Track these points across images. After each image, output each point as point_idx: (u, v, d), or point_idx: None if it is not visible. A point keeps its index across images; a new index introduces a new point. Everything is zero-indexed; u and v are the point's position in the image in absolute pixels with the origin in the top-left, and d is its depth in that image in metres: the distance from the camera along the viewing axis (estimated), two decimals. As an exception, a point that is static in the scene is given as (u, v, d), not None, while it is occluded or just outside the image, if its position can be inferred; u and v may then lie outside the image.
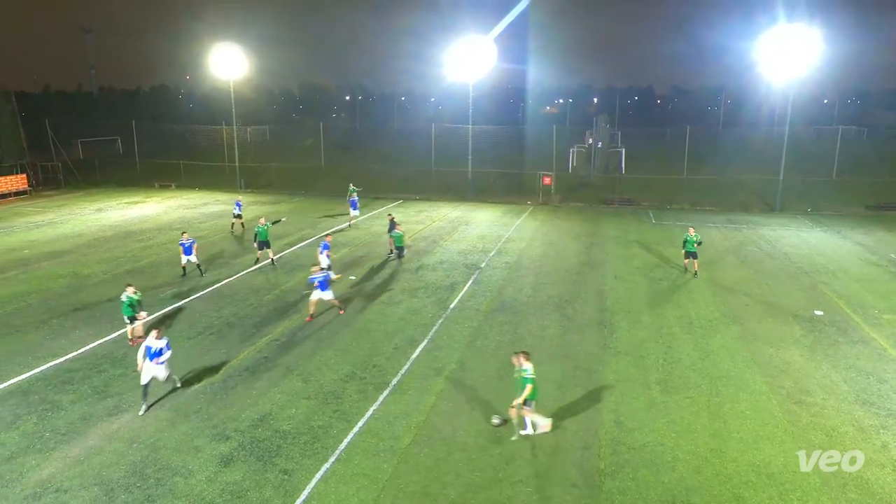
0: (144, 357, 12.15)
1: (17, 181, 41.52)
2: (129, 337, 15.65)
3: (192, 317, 17.70)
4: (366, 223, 31.46)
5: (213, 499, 9.66)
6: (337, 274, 19.35)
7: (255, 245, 22.93)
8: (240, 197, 33.24)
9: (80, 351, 15.22)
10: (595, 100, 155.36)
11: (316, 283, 17.09)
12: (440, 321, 17.33)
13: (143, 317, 15.91)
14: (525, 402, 11.17)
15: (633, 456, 10.82)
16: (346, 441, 11.26)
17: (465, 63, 38.20)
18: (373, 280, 21.29)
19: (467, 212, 34.97)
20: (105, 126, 67.42)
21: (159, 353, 12.22)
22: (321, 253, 20.75)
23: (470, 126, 39.99)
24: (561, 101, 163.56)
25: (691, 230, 21.55)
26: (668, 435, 11.47)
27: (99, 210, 36.06)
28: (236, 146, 46.00)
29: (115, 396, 12.94)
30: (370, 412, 12.29)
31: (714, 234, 29.03)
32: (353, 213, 30.98)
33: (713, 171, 45.67)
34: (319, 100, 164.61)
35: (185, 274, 21.50)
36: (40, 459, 10.71)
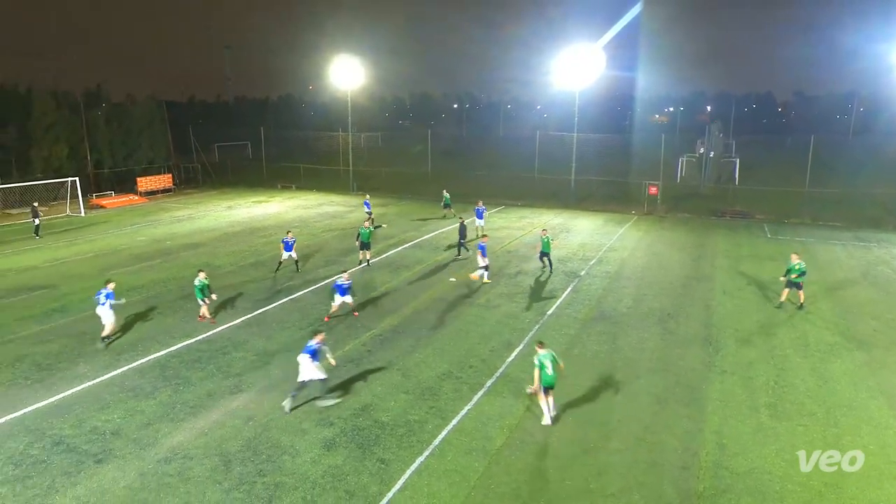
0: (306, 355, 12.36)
1: (164, 180, 46.03)
2: (200, 314, 17.46)
3: (305, 309, 18.73)
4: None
5: (316, 479, 10.15)
6: (477, 276, 20.91)
7: (358, 245, 23.65)
8: (367, 196, 34.47)
9: (208, 334, 16.58)
10: (708, 107, 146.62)
11: (338, 290, 17.20)
12: (537, 327, 17.12)
13: (213, 299, 17.46)
14: (548, 390, 11.78)
15: (736, 482, 10.08)
16: (440, 437, 11.41)
17: (573, 71, 37.52)
18: (472, 283, 21.42)
19: (569, 219, 34.29)
20: (238, 132, 73.16)
21: (313, 352, 12.41)
22: (481, 255, 21.13)
23: (575, 134, 39.22)
24: (671, 109, 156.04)
25: (795, 257, 18.65)
26: (776, 463, 10.58)
27: (229, 208, 39.14)
28: (351, 151, 48.15)
29: (236, 377, 13.97)
30: (464, 411, 12.37)
31: (839, 251, 26.42)
32: (445, 210, 33.85)
33: (840, 184, 41.57)
34: (428, 108, 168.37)
35: (278, 269, 22.48)
36: (172, 428, 11.80)
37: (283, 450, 11.01)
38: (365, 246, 23.34)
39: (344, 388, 13.35)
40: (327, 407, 12.47)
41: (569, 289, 20.71)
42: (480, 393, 13.16)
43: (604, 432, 11.59)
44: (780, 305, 18.77)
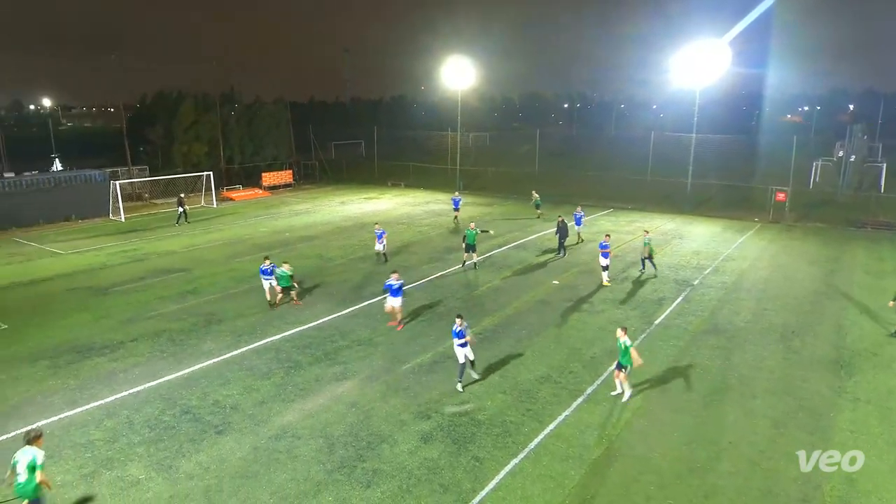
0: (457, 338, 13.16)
1: (286, 176, 49.24)
2: (290, 300, 18.98)
3: (409, 304, 19.22)
4: (573, 229, 30.99)
5: (412, 469, 10.42)
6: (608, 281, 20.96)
7: (464, 247, 23.44)
8: (457, 193, 35.04)
9: (318, 322, 17.54)
10: (850, 107, 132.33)
11: (389, 291, 16.88)
12: (643, 336, 16.40)
13: (298, 289, 19.05)
14: (622, 368, 12.64)
15: (867, 522, 9.06)
16: (536, 441, 11.28)
17: (694, 68, 35.43)
18: (575, 286, 20.94)
19: (683, 225, 32.47)
20: (353, 131, 76.58)
21: (460, 334, 13.07)
22: (602, 255, 20.98)
23: (693, 135, 37.04)
24: (805, 108, 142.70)
25: None
26: (918, 507, 9.38)
27: (342, 203, 41.12)
28: (459, 151, 48.76)
29: (342, 364, 14.66)
30: (562, 417, 12.14)
31: None
32: (538, 212, 33.79)
33: None
34: (538, 108, 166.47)
35: (377, 258, 24.21)
36: (283, 408, 12.61)
37: (383, 438, 11.40)
38: (470, 248, 23.01)
39: (442, 384, 13.57)
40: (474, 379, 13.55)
41: (680, 298, 19.63)
42: (580, 399, 12.84)
43: (713, 452, 10.88)
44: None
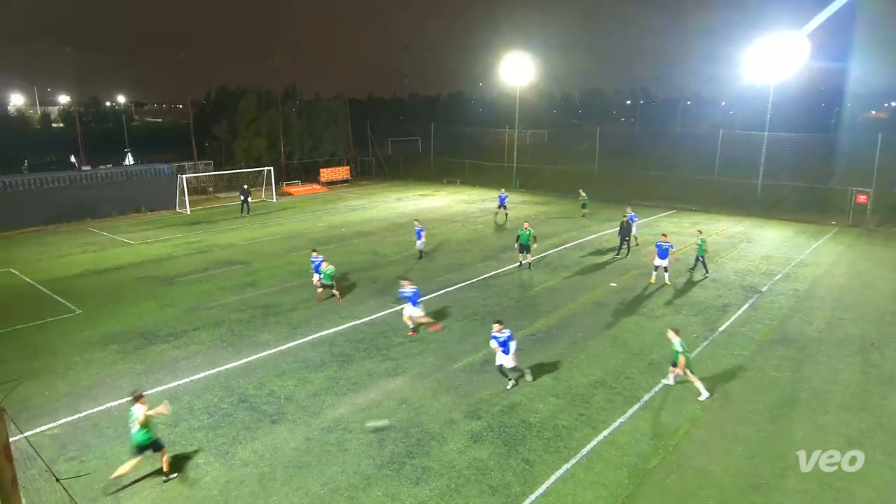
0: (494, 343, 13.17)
1: (343, 171, 50.28)
2: (333, 294, 19.36)
3: (461, 302, 19.29)
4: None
5: (461, 469, 10.44)
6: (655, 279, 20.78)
7: (517, 247, 23.05)
8: (503, 190, 34.92)
9: (371, 317, 17.83)
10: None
11: (406, 298, 16.41)
12: (705, 343, 15.83)
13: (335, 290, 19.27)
14: (675, 365, 12.85)
15: (952, 554, 8.43)
16: (588, 447, 11.09)
17: (768, 63, 33.83)
18: (634, 289, 20.43)
19: (751, 227, 31.10)
20: (410, 127, 77.36)
21: (504, 343, 13.00)
22: (659, 256, 20.65)
23: (766, 133, 35.41)
24: (893, 104, 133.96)
25: None
26: None
27: (398, 199, 41.61)
28: (516, 148, 48.44)
29: (394, 360, 14.86)
30: (617, 423, 11.88)
31: None
32: (584, 211, 33.62)
33: None
34: (599, 104, 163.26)
35: (419, 256, 24.56)
36: (335, 400, 12.90)
37: (433, 436, 11.48)
38: (524, 248, 22.72)
39: (493, 384, 13.54)
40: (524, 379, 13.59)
41: (746, 305, 18.83)
42: (636, 407, 12.53)
43: (778, 469, 10.39)
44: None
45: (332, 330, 16.87)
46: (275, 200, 41.23)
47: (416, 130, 75.12)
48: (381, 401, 12.85)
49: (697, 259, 22.01)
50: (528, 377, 13.63)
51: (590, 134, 58.29)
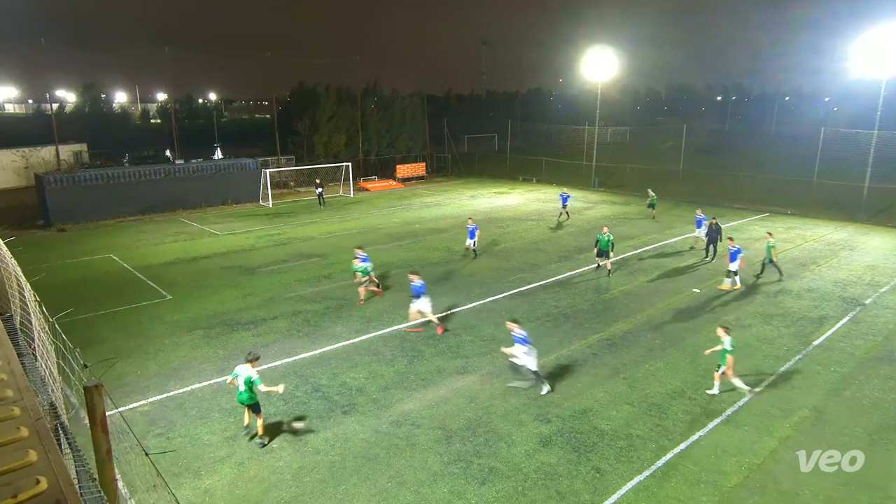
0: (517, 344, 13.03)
1: (419, 168, 50.99)
2: (373, 288, 19.67)
3: (534, 302, 19.09)
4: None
5: (528, 472, 10.35)
6: (728, 286, 19.98)
7: (595, 252, 22.23)
8: (565, 189, 34.62)
9: (442, 314, 17.97)
10: None
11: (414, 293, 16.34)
12: (797, 357, 14.87)
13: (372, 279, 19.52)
14: (730, 369, 12.57)
15: None
16: (664, 459, 10.69)
17: (880, 55, 31.23)
18: (719, 296, 19.48)
19: (855, 234, 28.86)
20: (486, 124, 77.36)
21: (522, 341, 12.86)
22: (733, 260, 19.92)
23: (875, 131, 32.73)
24: None
25: None
26: None
27: (472, 197, 41.71)
28: (595, 146, 47.35)
29: (464, 358, 14.93)
30: (695, 437, 11.38)
31: None
32: (650, 211, 32.87)
33: None
34: (686, 101, 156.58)
35: (474, 255, 24.40)
36: (404, 395, 13.12)
37: (500, 437, 11.45)
38: (602, 254, 21.88)
39: (564, 387, 13.32)
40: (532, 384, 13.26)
41: (846, 318, 17.51)
42: (717, 421, 11.96)
43: (877, 499, 9.61)
44: None
45: (403, 325, 17.16)
46: (352, 195, 42.39)
47: (493, 127, 74.97)
48: (449, 398, 12.95)
49: (765, 262, 21.21)
50: (545, 389, 13.02)
51: (675, 131, 56.00)
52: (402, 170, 49.47)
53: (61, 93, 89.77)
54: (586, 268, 22.87)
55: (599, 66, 44.80)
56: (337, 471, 10.48)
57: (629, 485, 10.00)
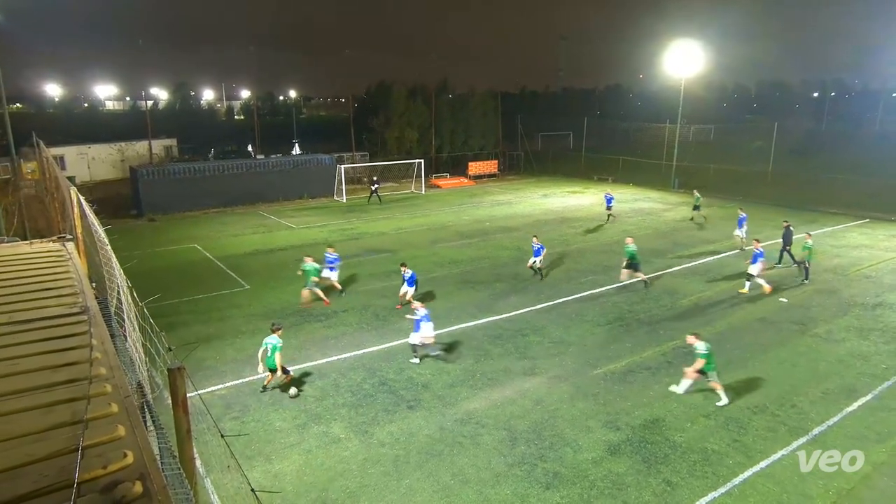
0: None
1: (491, 166, 50.86)
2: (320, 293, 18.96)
3: (606, 306, 18.64)
4: (814, 240, 27.04)
5: (595, 480, 10.13)
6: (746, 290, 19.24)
7: (624, 263, 20.59)
8: (608, 189, 34.50)
9: (511, 314, 17.88)
10: None
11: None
12: (897, 377, 13.76)
13: (318, 281, 18.84)
14: (704, 374, 12.46)
15: None
16: (741, 477, 10.18)
17: None
18: (809, 307, 18.31)
19: (970, 245, 26.33)
20: (562, 122, 75.97)
21: (419, 321, 14.48)
22: (754, 262, 19.36)
23: None
24: None
25: None
26: None
27: (544, 196, 41.20)
28: (676, 145, 45.59)
29: (531, 359, 14.78)
30: (778, 455, 10.76)
31: None
32: (694, 213, 31.46)
33: None
34: (779, 98, 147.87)
35: (540, 276, 21.42)
36: (470, 394, 13.15)
37: (567, 441, 11.26)
38: (632, 265, 20.27)
39: (636, 395, 12.94)
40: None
41: (957, 336, 16.03)
42: (803, 439, 11.25)
43: (801, 470, 8.81)
44: None
45: (470, 323, 17.20)
46: (423, 192, 42.87)
47: (569, 125, 73.56)
48: (515, 399, 12.86)
49: (801, 263, 21.05)
50: (415, 360, 14.56)
51: (765, 130, 53.00)
52: (475, 167, 49.51)
53: (155, 90, 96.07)
54: (662, 272, 22.09)
55: (683, 61, 43.11)
56: (401, 464, 10.65)
57: (702, 501, 9.59)
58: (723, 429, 11.66)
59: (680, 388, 12.94)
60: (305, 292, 18.72)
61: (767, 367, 14.34)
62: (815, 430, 11.56)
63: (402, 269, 18.49)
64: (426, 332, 14.47)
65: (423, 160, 44.56)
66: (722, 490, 9.85)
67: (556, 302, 18.95)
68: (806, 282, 20.64)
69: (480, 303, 18.94)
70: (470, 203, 38.43)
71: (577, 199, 39.60)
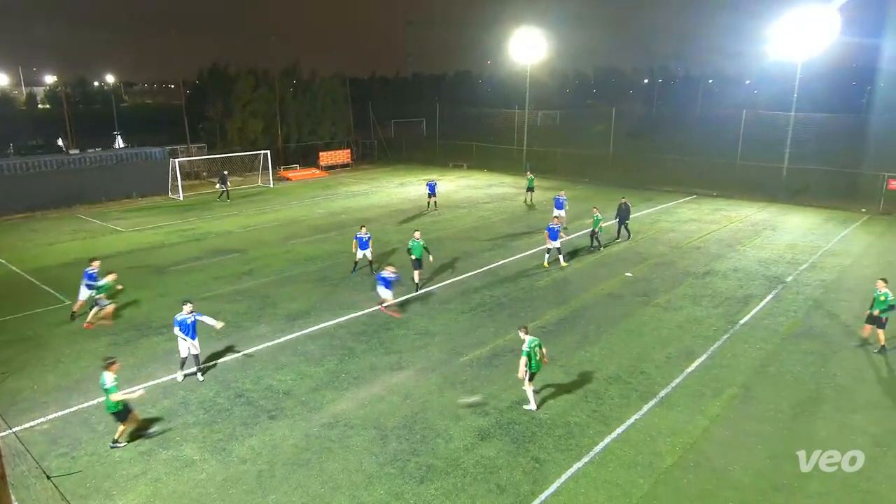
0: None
1: (344, 155, 50.20)
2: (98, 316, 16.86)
3: (468, 293, 19.31)
4: (651, 217, 30.14)
5: (467, 467, 10.51)
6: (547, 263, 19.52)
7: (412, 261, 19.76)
8: (434, 177, 36.47)
9: (373, 308, 17.87)
10: None
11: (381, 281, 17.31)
12: (725, 336, 15.81)
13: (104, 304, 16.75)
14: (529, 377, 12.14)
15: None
16: (601, 445, 11.13)
17: (796, 38, 33.43)
18: (650, 280, 20.40)
19: (776, 214, 30.94)
20: (414, 109, 77.14)
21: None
22: (550, 238, 21.58)
23: (792, 113, 35.07)
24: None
25: (880, 284, 14.89)
26: None
27: (401, 185, 41.57)
28: (526, 130, 48.21)
29: (397, 353, 14.92)
30: (631, 420, 11.91)
31: None
32: (528, 194, 33.69)
33: None
34: (615, 84, 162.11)
35: (354, 269, 21.22)
36: (336, 395, 12.98)
37: (438, 433, 11.55)
38: (417, 263, 19.45)
39: (502, 378, 13.59)
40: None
41: (770, 296, 18.78)
42: (651, 403, 12.56)
43: (802, 469, 10.41)
44: (863, 343, 15.40)
45: (332, 322, 16.95)
46: (272, 186, 41.26)
47: (421, 111, 74.83)
48: (383, 396, 12.92)
49: (593, 234, 24.09)
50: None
51: (605, 115, 57.93)
52: (326, 157, 48.57)
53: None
54: (520, 255, 23.35)
55: (528, 47, 45.55)
56: (265, 480, 10.25)
57: (568, 472, 10.35)
58: (583, 401, 12.64)
59: (532, 404, 12.27)
60: (109, 309, 16.86)
61: (618, 338, 15.77)
62: (662, 393, 12.95)
63: (387, 269, 17.27)
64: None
65: (269, 151, 42.83)
66: (585, 460, 10.70)
67: (419, 292, 19.25)
68: (602, 249, 23.97)
69: (341, 300, 18.71)
70: (323, 195, 37.69)
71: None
